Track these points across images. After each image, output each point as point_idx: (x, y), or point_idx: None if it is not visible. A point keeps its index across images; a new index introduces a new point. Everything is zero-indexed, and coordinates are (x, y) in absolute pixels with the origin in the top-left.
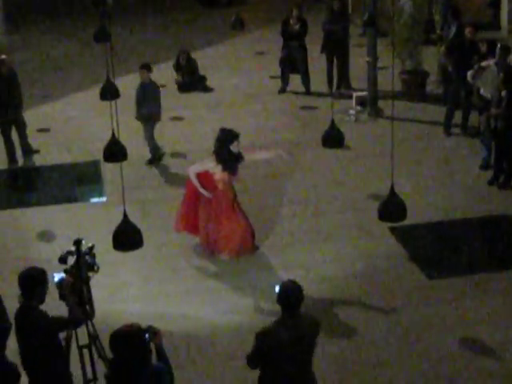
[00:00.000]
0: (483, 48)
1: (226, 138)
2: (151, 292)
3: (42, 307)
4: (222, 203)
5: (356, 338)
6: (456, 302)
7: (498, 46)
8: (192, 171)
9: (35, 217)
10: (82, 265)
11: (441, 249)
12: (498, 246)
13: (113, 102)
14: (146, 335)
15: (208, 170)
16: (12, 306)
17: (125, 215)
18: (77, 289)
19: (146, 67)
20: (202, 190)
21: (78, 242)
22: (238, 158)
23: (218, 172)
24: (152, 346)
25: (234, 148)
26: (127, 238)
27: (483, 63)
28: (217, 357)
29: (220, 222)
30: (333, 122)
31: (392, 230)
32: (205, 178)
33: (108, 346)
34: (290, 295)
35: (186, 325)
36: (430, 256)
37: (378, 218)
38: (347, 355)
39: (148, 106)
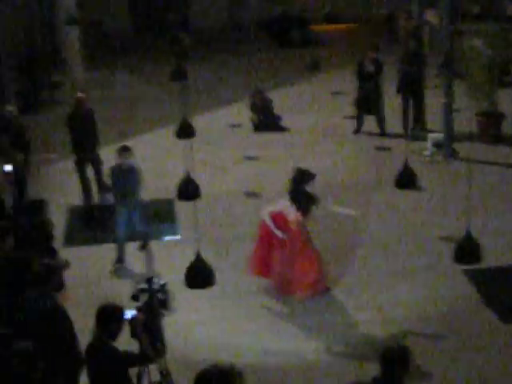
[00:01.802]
0: None
1: (302, 178)
2: (223, 331)
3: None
4: (295, 244)
5: (428, 382)
6: None
7: None
8: (266, 212)
9: (109, 254)
10: (153, 302)
11: None
12: None
13: (188, 141)
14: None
15: (282, 210)
16: (84, 342)
17: (198, 254)
18: (149, 326)
19: (129, 149)
20: (276, 231)
21: (149, 280)
22: (313, 198)
23: (291, 212)
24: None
25: (309, 188)
26: (200, 276)
27: None
28: None
29: (294, 263)
30: (406, 163)
31: (466, 272)
32: (278, 218)
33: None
34: (391, 356)
35: (256, 363)
36: (505, 300)
37: (452, 260)
38: None
39: (135, 191)
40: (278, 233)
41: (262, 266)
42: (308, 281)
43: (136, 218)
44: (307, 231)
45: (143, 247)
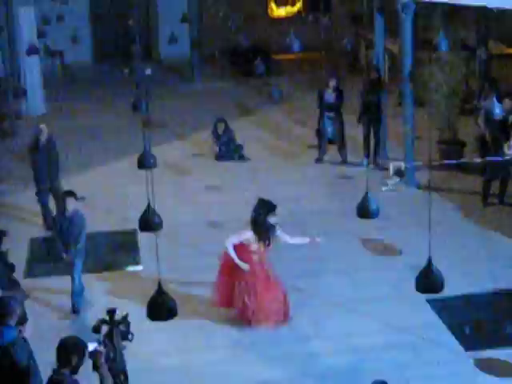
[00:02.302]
0: None
1: (264, 209)
2: (186, 361)
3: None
4: (258, 274)
5: None
6: (495, 375)
7: None
8: (229, 243)
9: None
10: (115, 334)
11: (479, 321)
12: None
13: (149, 172)
14: None
15: (244, 240)
16: (45, 375)
17: (159, 286)
18: (110, 359)
19: (70, 195)
20: (239, 262)
21: (111, 312)
22: (275, 229)
23: (253, 243)
24: None
25: (271, 219)
26: (162, 308)
27: None
28: None
29: (256, 293)
30: (367, 193)
31: (429, 301)
32: (240, 249)
33: None
34: None
35: None
36: (468, 328)
37: (415, 289)
38: None
39: (76, 241)
40: (241, 264)
41: (225, 296)
42: (271, 311)
43: (77, 267)
44: (269, 261)
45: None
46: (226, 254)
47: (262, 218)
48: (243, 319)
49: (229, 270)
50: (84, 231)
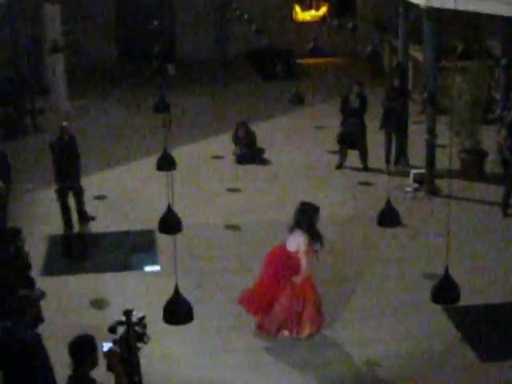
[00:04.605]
0: None
1: (312, 210)
2: (201, 365)
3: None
4: (306, 282)
5: None
6: None
7: None
8: (304, 264)
9: (89, 284)
10: (131, 335)
11: (495, 331)
12: None
13: (169, 173)
14: None
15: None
16: (64, 373)
17: (176, 290)
18: (125, 359)
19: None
20: (294, 278)
21: (127, 313)
22: (320, 234)
23: (303, 246)
24: None
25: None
26: (178, 312)
27: None
28: None
29: (305, 302)
30: (389, 200)
31: (446, 310)
32: (288, 258)
33: None
34: None
35: None
36: (484, 338)
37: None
38: None
39: None
40: (296, 279)
41: (255, 303)
42: (318, 319)
43: None
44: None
45: None
46: (276, 266)
47: (313, 219)
48: (281, 327)
49: (270, 283)
50: None
